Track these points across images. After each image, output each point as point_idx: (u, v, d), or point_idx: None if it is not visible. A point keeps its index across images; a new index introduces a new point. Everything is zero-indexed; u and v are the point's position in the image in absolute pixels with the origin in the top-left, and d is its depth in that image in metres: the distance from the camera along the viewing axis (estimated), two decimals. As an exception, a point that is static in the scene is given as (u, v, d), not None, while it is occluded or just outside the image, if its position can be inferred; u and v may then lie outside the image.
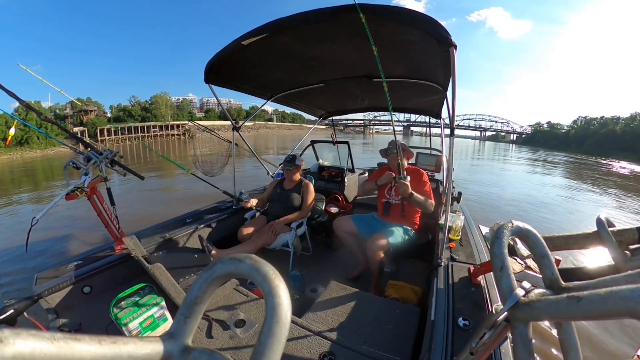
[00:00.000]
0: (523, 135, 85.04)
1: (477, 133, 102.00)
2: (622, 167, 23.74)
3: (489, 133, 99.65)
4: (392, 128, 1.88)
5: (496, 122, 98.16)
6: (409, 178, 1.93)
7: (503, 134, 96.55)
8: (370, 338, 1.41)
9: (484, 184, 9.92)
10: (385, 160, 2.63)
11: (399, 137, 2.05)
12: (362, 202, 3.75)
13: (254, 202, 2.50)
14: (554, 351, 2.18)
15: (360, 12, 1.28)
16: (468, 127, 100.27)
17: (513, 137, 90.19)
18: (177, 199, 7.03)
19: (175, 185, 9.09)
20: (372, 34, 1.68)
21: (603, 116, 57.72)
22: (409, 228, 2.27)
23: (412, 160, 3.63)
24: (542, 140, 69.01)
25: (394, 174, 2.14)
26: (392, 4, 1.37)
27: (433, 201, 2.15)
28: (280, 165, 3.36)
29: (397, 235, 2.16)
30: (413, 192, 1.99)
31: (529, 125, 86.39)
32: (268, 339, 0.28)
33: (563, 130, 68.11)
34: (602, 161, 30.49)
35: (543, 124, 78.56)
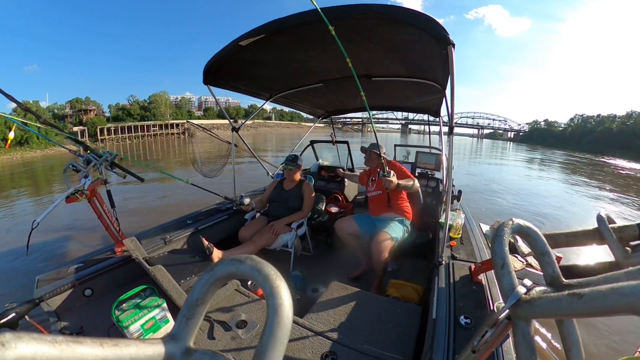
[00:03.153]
0: (520, 133, 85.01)
1: (475, 131, 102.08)
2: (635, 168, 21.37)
3: (486, 131, 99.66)
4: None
5: (494, 120, 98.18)
6: (392, 172, 2.03)
7: (501, 132, 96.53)
8: (372, 337, 1.40)
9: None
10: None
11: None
12: (362, 201, 3.76)
13: (253, 204, 2.53)
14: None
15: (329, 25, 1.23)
16: (466, 125, 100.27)
17: (511, 135, 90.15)
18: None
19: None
20: (370, 34, 1.68)
21: (599, 114, 57.34)
22: (402, 218, 2.31)
23: (412, 159, 3.76)
24: (539, 138, 68.86)
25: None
26: (390, 3, 1.36)
27: (414, 178, 2.27)
28: (281, 164, 3.36)
29: (397, 229, 2.20)
30: (399, 182, 2.11)
31: (527, 123, 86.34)
32: (270, 339, 0.28)
33: (560, 128, 68.05)
34: (607, 160, 28.98)
35: (540, 122, 78.36)
